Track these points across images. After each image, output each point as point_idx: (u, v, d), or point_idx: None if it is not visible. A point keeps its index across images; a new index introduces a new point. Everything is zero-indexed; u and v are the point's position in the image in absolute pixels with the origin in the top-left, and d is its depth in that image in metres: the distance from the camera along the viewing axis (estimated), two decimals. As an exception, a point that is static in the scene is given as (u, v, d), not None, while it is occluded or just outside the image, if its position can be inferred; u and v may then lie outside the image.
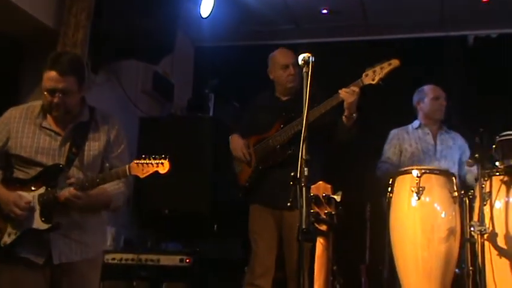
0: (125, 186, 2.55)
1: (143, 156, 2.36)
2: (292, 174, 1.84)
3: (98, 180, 2.40)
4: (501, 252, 2.85)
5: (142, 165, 2.33)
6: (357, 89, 3.05)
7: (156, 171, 2.33)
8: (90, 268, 2.54)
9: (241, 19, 4.96)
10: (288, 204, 1.84)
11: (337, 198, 1.84)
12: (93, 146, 2.51)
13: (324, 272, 1.81)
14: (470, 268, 2.83)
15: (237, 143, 3.36)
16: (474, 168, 3.37)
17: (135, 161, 2.34)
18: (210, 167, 4.30)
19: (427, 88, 3.80)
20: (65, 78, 2.37)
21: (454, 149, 3.70)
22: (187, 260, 3.63)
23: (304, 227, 1.73)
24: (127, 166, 2.36)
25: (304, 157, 1.85)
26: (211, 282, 3.85)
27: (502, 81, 4.59)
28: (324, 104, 3.10)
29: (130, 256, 3.67)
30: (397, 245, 3.10)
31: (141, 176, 2.35)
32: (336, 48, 5.12)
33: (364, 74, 3.07)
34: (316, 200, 1.82)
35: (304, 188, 1.80)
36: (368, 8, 4.80)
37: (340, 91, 3.08)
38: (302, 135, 1.90)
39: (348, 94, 3.05)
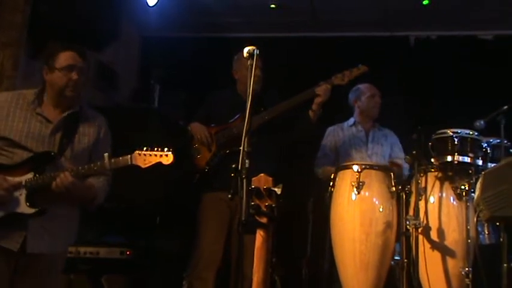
0: (107, 183, 2.57)
1: (144, 147, 2.40)
2: (233, 166, 1.85)
3: (95, 168, 2.40)
4: (434, 245, 2.98)
5: (145, 156, 2.37)
6: (330, 87, 3.25)
7: (160, 162, 2.35)
8: (56, 262, 2.52)
9: (190, 10, 4.91)
10: (229, 196, 1.85)
11: (278, 191, 1.86)
12: (83, 139, 2.52)
13: (264, 264, 1.83)
14: (405, 260, 2.93)
15: (199, 127, 3.40)
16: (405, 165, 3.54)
17: (137, 151, 2.36)
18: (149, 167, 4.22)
19: (363, 87, 3.90)
20: (82, 59, 2.48)
21: (385, 146, 3.82)
22: (128, 253, 3.57)
23: (244, 218, 1.74)
24: (129, 156, 2.39)
25: (245, 149, 1.86)
26: (153, 275, 3.80)
27: (440, 80, 4.78)
28: (296, 97, 3.26)
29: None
30: (336, 238, 3.18)
31: (143, 166, 2.40)
32: (284, 44, 5.16)
33: (333, 76, 3.30)
34: (257, 193, 1.83)
35: (245, 180, 1.81)
36: (316, 5, 4.87)
37: (318, 87, 3.26)
38: (245, 128, 1.91)
39: (325, 91, 3.23)
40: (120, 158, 2.41)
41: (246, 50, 2.09)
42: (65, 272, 3.46)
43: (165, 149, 2.40)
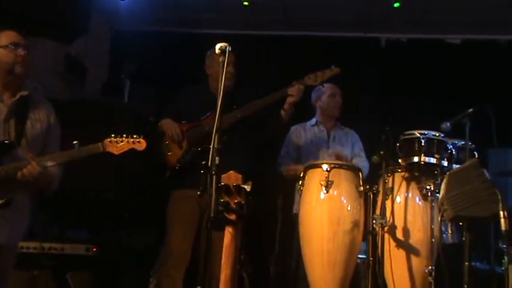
0: (60, 170, 2.52)
1: (112, 135, 2.39)
2: (203, 163, 1.85)
3: (65, 157, 2.38)
4: (399, 244, 3.03)
5: (117, 143, 2.34)
6: (303, 87, 3.28)
7: (133, 149, 2.33)
8: (13, 254, 2.48)
9: (162, 4, 4.87)
10: (198, 193, 1.84)
11: (248, 188, 1.86)
12: (35, 126, 2.47)
13: (232, 261, 1.83)
14: (371, 258, 2.96)
15: (170, 124, 3.37)
16: (362, 164, 3.60)
17: (108, 139, 2.33)
18: (122, 153, 4.17)
19: (324, 86, 3.92)
20: (23, 37, 2.45)
21: (346, 145, 3.86)
22: (94, 249, 3.52)
23: (212, 215, 1.73)
24: (100, 143, 2.34)
25: (216, 146, 1.86)
26: (119, 272, 3.75)
27: (409, 82, 4.87)
28: (269, 97, 3.28)
29: (32, 244, 3.47)
30: (305, 236, 3.19)
31: (116, 153, 2.37)
32: (257, 42, 5.16)
33: (306, 77, 3.32)
34: (226, 190, 1.83)
35: (214, 177, 1.80)
36: (288, 4, 4.88)
37: (290, 87, 3.29)
38: (215, 125, 1.91)
39: (297, 91, 3.26)
40: (91, 146, 2.38)
41: (218, 46, 2.09)
42: (29, 268, 3.41)
43: (136, 136, 2.39)
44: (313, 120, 3.96)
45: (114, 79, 4.95)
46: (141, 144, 2.39)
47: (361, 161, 3.77)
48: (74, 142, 2.40)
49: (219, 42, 2.12)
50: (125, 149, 2.37)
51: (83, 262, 3.50)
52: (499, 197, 2.32)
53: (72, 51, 4.56)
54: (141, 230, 4.02)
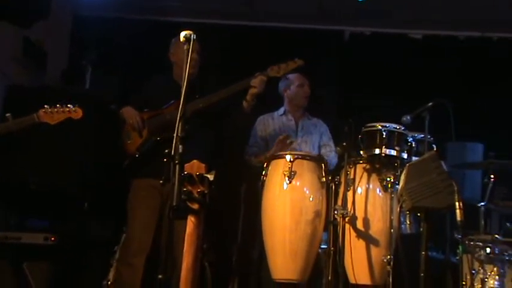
0: None
1: (46, 105, 2.27)
2: (166, 151, 1.83)
3: (4, 130, 2.29)
4: (359, 234, 3.09)
5: (52, 113, 2.28)
6: (265, 79, 3.29)
7: (70, 118, 2.27)
8: None
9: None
10: (161, 181, 1.83)
11: (210, 177, 1.86)
12: None
13: (194, 250, 1.83)
14: (332, 248, 3.01)
15: (131, 111, 3.33)
16: (331, 154, 3.64)
17: (42, 109, 2.26)
18: (82, 142, 4.09)
19: (292, 76, 3.95)
20: None
21: (314, 135, 3.90)
22: (52, 239, 3.45)
23: (175, 204, 1.72)
24: (34, 114, 2.27)
25: (179, 135, 1.84)
26: (78, 262, 3.69)
27: (372, 75, 4.94)
28: (231, 87, 3.27)
29: (-13, 234, 3.39)
30: (267, 226, 3.22)
31: (52, 123, 2.31)
32: (221, 31, 5.13)
33: (269, 68, 3.33)
34: (189, 179, 1.82)
35: (177, 166, 1.79)
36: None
37: (253, 79, 3.30)
38: (179, 112, 1.90)
39: (260, 82, 3.27)
40: (26, 117, 2.34)
41: (182, 34, 2.07)
42: (-16, 258, 3.32)
43: (70, 105, 2.36)
44: (281, 110, 3.97)
45: (75, 66, 4.83)
46: (77, 113, 2.37)
47: (331, 151, 3.82)
48: (7, 115, 2.35)
49: (183, 30, 2.10)
50: (61, 119, 2.35)
51: (41, 252, 3.42)
52: (455, 188, 2.39)
53: (31, 35, 4.42)
54: (102, 219, 3.96)
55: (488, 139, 4.20)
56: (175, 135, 1.86)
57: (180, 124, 1.87)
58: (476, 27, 5.06)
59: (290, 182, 3.16)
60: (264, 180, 3.29)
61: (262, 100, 3.43)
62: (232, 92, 3.30)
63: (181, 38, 2.06)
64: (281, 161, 3.25)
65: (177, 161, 1.80)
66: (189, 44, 2.03)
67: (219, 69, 4.57)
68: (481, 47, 5.06)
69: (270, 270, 3.18)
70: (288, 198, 3.16)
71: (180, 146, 1.83)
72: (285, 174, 3.17)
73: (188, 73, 1.97)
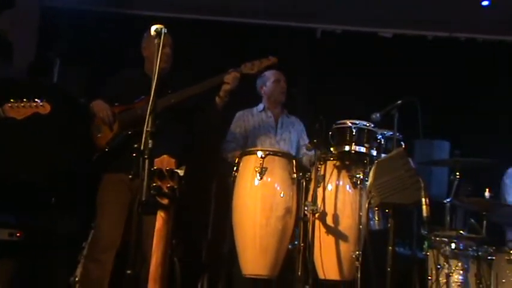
0: None
1: (12, 99, 2.23)
2: (135, 145, 1.81)
3: None
4: (329, 230, 3.12)
5: (18, 108, 2.22)
6: (239, 75, 3.28)
7: (37, 113, 2.22)
8: None
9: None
10: (130, 176, 1.81)
11: (181, 172, 1.84)
12: None
13: (163, 245, 1.81)
14: (302, 244, 3.03)
15: (102, 105, 3.28)
16: (311, 152, 3.65)
17: (8, 104, 2.21)
18: (49, 135, 4.01)
19: (268, 72, 3.96)
20: None
21: (293, 132, 3.91)
22: (18, 234, 3.37)
23: (144, 199, 1.71)
24: (0, 108, 2.20)
25: (149, 129, 1.83)
26: (45, 258, 3.62)
27: (343, 73, 4.99)
28: (204, 83, 3.25)
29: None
30: (238, 222, 3.22)
31: (19, 118, 2.24)
32: (195, 27, 5.10)
33: (243, 65, 3.32)
34: (159, 174, 1.81)
35: (147, 161, 1.77)
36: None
37: (227, 75, 3.29)
38: (149, 107, 1.88)
39: (233, 79, 3.26)
40: None
41: (153, 28, 2.05)
42: None
43: (37, 100, 2.32)
44: (261, 107, 3.98)
45: (42, 58, 4.73)
46: (45, 108, 2.33)
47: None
48: None
49: (154, 24, 2.08)
50: (28, 113, 2.30)
51: (5, 248, 3.34)
52: (422, 184, 2.44)
53: (-4, 26, 4.32)
54: (70, 214, 3.89)
55: (454, 137, 4.29)
56: (144, 129, 1.84)
57: (150, 119, 1.85)
58: (444, 28, 5.17)
59: (261, 178, 3.18)
60: (235, 176, 3.30)
61: (235, 96, 3.43)
62: (205, 88, 3.29)
63: (152, 32, 2.04)
64: (252, 157, 3.26)
65: (146, 156, 1.78)
66: (160, 38, 2.01)
67: (192, 64, 4.53)
68: (449, 46, 5.17)
69: (240, 266, 3.19)
70: (259, 194, 3.17)
71: (150, 141, 1.82)
72: (256, 171, 3.18)
73: (159, 68, 1.95)
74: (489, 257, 3.25)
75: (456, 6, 4.74)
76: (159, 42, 2.01)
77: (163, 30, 2.02)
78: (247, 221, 3.17)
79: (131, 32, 3.66)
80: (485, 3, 4.72)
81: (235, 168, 3.31)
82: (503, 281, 3.18)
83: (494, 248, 3.30)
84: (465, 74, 4.95)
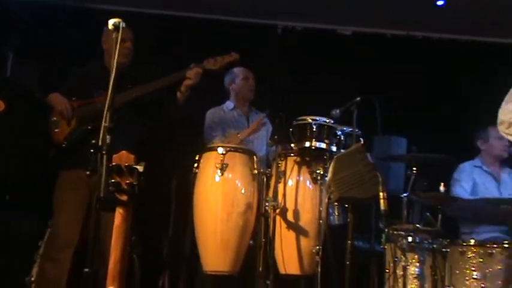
0: None
1: None
2: (93, 141, 1.78)
3: None
4: (289, 225, 3.15)
5: None
6: (201, 71, 3.27)
7: None
8: None
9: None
10: (87, 172, 1.77)
11: (140, 168, 1.82)
12: None
13: (122, 243, 1.79)
14: (263, 240, 3.04)
15: (59, 98, 3.21)
16: (273, 148, 3.67)
17: None
18: (4, 131, 3.88)
19: (236, 70, 3.97)
20: None
21: (263, 130, 3.91)
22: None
23: (102, 195, 1.68)
24: None
25: (107, 124, 1.79)
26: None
27: (304, 70, 5.03)
28: (166, 78, 3.23)
29: None
30: (199, 218, 3.21)
31: None
32: (157, 21, 5.03)
33: (205, 61, 3.31)
34: (117, 170, 1.78)
35: (105, 156, 1.74)
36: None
37: (189, 70, 3.27)
38: (107, 102, 1.84)
39: (195, 74, 3.25)
40: None
41: (111, 22, 2.01)
42: None
43: None
44: (230, 105, 3.97)
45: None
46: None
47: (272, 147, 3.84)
48: None
49: (113, 18, 2.04)
50: None
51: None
52: (380, 179, 2.49)
53: None
54: (25, 212, 3.78)
55: (411, 134, 4.40)
56: (102, 125, 1.81)
57: (108, 114, 1.82)
58: (402, 26, 5.28)
59: (222, 175, 3.17)
60: (196, 173, 3.28)
61: (197, 92, 3.41)
62: (167, 83, 3.26)
63: (110, 26, 2.00)
64: (213, 153, 3.25)
65: (104, 152, 1.75)
66: (118, 32, 1.97)
67: (154, 59, 4.48)
68: (407, 45, 5.29)
69: (202, 262, 3.18)
70: (219, 191, 3.17)
71: (108, 137, 1.79)
72: (217, 167, 3.18)
73: (117, 62, 1.92)
74: (443, 250, 3.35)
75: (412, 5, 4.86)
76: (117, 36, 1.97)
77: (121, 24, 1.98)
78: (208, 217, 3.17)
79: (91, 26, 3.58)
80: (440, 3, 4.85)
81: (195, 164, 3.30)
82: (457, 272, 3.28)
83: (448, 240, 3.40)
84: (421, 71, 5.07)
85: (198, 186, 3.25)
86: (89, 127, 3.13)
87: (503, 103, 2.06)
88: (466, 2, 4.77)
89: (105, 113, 1.84)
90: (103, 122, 1.83)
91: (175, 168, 3.78)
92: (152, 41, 4.63)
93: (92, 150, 1.79)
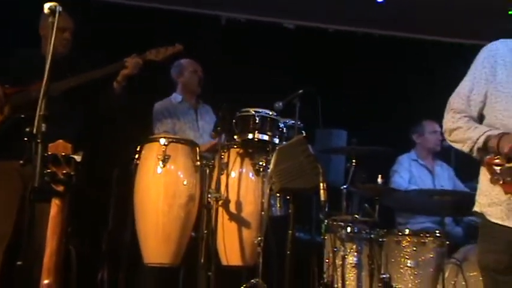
0: None
1: None
2: (27, 129, 1.71)
3: None
4: (232, 217, 3.16)
5: None
6: (141, 62, 3.20)
7: None
8: None
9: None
10: (21, 162, 1.70)
11: (78, 158, 1.77)
12: None
13: (58, 234, 1.74)
14: (205, 231, 3.04)
15: None
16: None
17: None
18: None
19: (184, 62, 3.93)
20: None
21: (210, 123, 3.87)
22: None
23: (36, 185, 1.62)
24: None
25: (42, 113, 1.73)
26: None
27: (249, 61, 5.04)
28: (106, 68, 3.15)
29: None
30: (140, 210, 3.17)
31: None
32: (98, 9, 4.88)
33: (148, 51, 3.24)
34: (53, 159, 1.72)
35: (40, 145, 1.68)
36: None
37: (128, 60, 3.20)
38: (42, 89, 1.78)
39: (134, 64, 3.18)
40: None
41: (46, 5, 1.93)
42: None
43: None
44: (178, 97, 3.91)
45: None
46: None
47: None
48: None
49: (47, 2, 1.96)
50: None
51: None
52: (321, 170, 2.54)
53: None
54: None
55: (352, 127, 4.51)
56: (37, 113, 1.75)
57: (43, 102, 1.75)
58: (344, 22, 5.39)
59: (164, 166, 3.14)
60: (137, 164, 3.23)
61: (131, 83, 3.34)
62: (106, 73, 3.19)
63: (46, 10, 1.92)
64: (155, 144, 3.21)
65: (39, 140, 1.69)
66: (54, 17, 1.90)
67: (93, 48, 4.35)
68: (348, 40, 5.41)
69: (142, 254, 3.14)
70: (161, 182, 3.14)
71: (43, 125, 1.72)
72: (158, 158, 3.14)
73: (54, 48, 1.85)
74: (380, 239, 3.47)
75: (355, 1, 4.97)
76: (53, 21, 1.90)
77: (57, 8, 1.91)
78: (149, 209, 3.13)
79: (28, 9, 3.43)
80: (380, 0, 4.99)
81: (136, 155, 3.24)
82: (392, 260, 3.42)
83: (385, 230, 3.52)
84: (362, 67, 5.20)
85: (139, 177, 3.20)
86: (22, 116, 3.01)
87: (445, 113, 2.17)
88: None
89: (40, 101, 1.77)
90: (38, 110, 1.76)
91: (117, 158, 3.70)
92: (94, 30, 4.50)
93: (26, 139, 1.72)
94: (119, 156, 3.63)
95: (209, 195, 3.06)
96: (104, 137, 4.15)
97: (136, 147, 3.27)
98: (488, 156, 2.01)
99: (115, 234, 3.52)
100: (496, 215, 2.02)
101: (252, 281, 2.98)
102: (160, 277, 3.31)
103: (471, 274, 3.17)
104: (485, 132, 2.01)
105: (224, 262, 3.17)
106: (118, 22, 4.86)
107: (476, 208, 2.12)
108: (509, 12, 4.87)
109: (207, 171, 3.19)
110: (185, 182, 3.18)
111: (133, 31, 4.78)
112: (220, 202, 3.07)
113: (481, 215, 2.09)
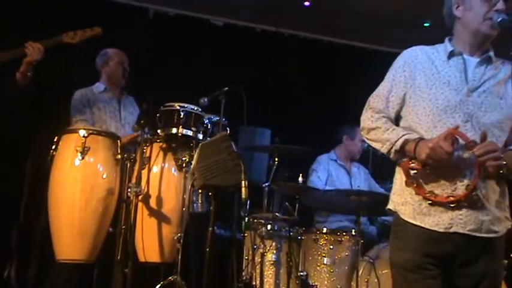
0: None
1: None
2: None
3: None
4: (152, 212, 3.09)
5: None
6: (42, 47, 3.00)
7: None
8: None
9: None
10: None
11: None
12: None
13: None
14: (123, 227, 2.96)
15: None
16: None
17: None
18: None
19: (111, 52, 3.80)
20: None
21: (134, 114, 3.80)
22: None
23: None
24: None
25: None
26: None
27: (175, 55, 4.97)
28: (5, 53, 2.99)
29: None
30: (54, 204, 3.03)
31: None
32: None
33: (64, 34, 3.09)
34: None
35: None
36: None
37: (26, 45, 3.01)
38: None
39: (35, 50, 2.97)
40: None
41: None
42: None
43: None
44: (101, 86, 3.75)
45: None
46: None
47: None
48: None
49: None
50: None
51: None
52: (243, 168, 2.55)
53: None
54: None
55: (276, 126, 4.57)
56: None
57: None
58: (271, 22, 5.46)
59: (83, 158, 3.02)
60: (54, 156, 3.08)
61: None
62: (5, 59, 2.98)
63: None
64: (74, 135, 3.09)
65: None
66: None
67: (18, 37, 4.11)
68: (275, 40, 5.49)
69: (55, 250, 3.00)
70: (79, 175, 3.02)
71: None
72: (77, 150, 3.02)
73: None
74: (299, 237, 3.55)
75: (282, 2, 5.05)
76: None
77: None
78: (64, 203, 3.00)
79: None
80: (306, 3, 5.10)
81: (53, 146, 3.09)
82: (310, 258, 3.50)
83: (304, 228, 3.60)
84: (287, 66, 5.30)
85: (54, 170, 3.06)
86: None
87: (364, 111, 2.24)
88: (329, 5, 5.07)
89: None
90: None
91: (30, 149, 3.51)
92: (16, 19, 4.25)
93: None
94: (35, 147, 3.46)
95: (129, 190, 2.97)
96: (17, 127, 3.92)
97: (54, 138, 3.12)
98: (404, 160, 2.10)
99: (26, 228, 3.35)
100: (408, 214, 2.10)
101: (170, 278, 2.93)
102: (74, 273, 3.17)
103: (383, 272, 3.30)
104: (403, 135, 2.09)
105: (142, 259, 3.10)
106: (41, 13, 4.62)
107: (390, 206, 2.20)
108: (425, 25, 5.15)
109: (128, 165, 3.11)
110: (105, 175, 3.08)
111: (57, 21, 4.57)
112: (140, 197, 3.00)
113: (394, 213, 2.17)
